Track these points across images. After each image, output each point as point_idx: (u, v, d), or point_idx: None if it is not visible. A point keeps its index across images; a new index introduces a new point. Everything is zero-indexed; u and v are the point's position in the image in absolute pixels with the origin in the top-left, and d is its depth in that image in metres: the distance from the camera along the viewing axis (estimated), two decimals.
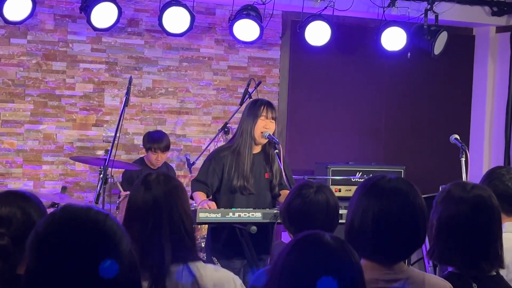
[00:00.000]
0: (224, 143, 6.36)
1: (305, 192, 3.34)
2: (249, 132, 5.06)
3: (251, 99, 6.09)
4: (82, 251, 1.63)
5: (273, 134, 5.10)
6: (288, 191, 5.11)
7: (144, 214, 2.86)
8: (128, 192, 6.21)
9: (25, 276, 1.67)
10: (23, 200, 2.62)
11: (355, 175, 7.10)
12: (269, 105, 5.12)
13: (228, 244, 5.04)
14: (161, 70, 7.63)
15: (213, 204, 4.92)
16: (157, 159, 6.75)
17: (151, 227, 2.82)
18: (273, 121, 5.09)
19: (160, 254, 2.78)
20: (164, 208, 2.85)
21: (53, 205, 5.66)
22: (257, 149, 5.16)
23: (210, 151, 5.54)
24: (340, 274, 1.78)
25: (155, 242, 2.80)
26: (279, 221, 4.71)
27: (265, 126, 5.05)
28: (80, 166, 7.31)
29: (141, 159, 6.93)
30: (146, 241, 2.79)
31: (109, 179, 5.68)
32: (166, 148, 6.80)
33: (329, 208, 3.33)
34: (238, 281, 2.92)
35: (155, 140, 6.76)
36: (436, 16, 7.55)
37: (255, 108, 5.10)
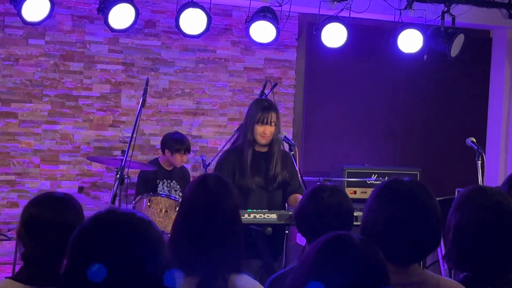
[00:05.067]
0: None
1: (318, 195, 3.34)
2: (248, 135, 5.12)
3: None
4: (123, 254, 1.65)
5: (285, 136, 5.13)
6: (297, 194, 5.16)
7: (198, 216, 2.84)
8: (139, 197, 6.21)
9: (64, 273, 1.69)
10: (56, 203, 2.67)
11: (371, 177, 7.09)
12: (265, 109, 5.13)
13: (244, 245, 5.05)
14: (178, 71, 7.66)
15: None
16: (182, 160, 6.76)
17: (204, 230, 2.81)
18: (271, 125, 5.11)
19: (209, 261, 2.78)
20: (219, 210, 2.85)
21: None
22: (264, 148, 5.20)
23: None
24: (367, 275, 1.81)
25: (208, 246, 2.79)
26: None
27: (263, 131, 5.09)
28: (96, 166, 7.36)
29: (156, 160, 6.93)
30: (197, 243, 2.79)
31: (126, 179, 5.70)
32: (190, 149, 6.84)
33: (341, 211, 3.31)
34: None
35: (183, 142, 6.73)
36: (453, 19, 7.52)
37: (253, 112, 5.15)
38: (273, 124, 5.12)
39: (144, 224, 1.71)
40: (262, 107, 5.15)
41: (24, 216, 2.68)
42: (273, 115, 5.13)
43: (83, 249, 1.67)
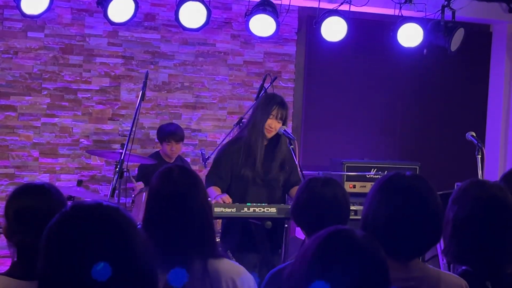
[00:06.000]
0: None
1: (312, 185, 3.31)
2: (260, 126, 5.10)
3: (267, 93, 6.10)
4: (94, 247, 1.64)
5: (284, 130, 5.12)
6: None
7: (165, 207, 2.84)
8: (141, 186, 6.22)
9: (39, 272, 1.69)
10: (39, 191, 2.64)
11: (370, 171, 7.08)
12: (281, 105, 5.14)
13: (243, 238, 5.05)
14: (177, 64, 7.65)
15: (227, 198, 4.94)
16: (171, 149, 6.74)
17: (172, 220, 2.81)
18: (280, 121, 5.12)
19: (182, 249, 2.78)
20: (185, 200, 2.85)
21: (69, 198, 5.68)
22: (265, 142, 5.21)
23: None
24: (368, 270, 1.81)
25: (177, 236, 2.79)
26: None
27: (270, 124, 5.10)
28: (95, 160, 7.35)
29: (157, 153, 6.94)
30: (167, 234, 2.79)
31: (125, 173, 5.70)
32: (180, 138, 6.80)
33: (336, 201, 3.27)
34: (251, 280, 2.92)
35: (169, 130, 6.78)
36: (453, 13, 7.50)
37: (268, 105, 5.14)
38: (281, 120, 5.14)
39: (110, 212, 1.70)
40: (278, 102, 5.15)
41: (12, 209, 2.63)
42: (285, 113, 5.15)
43: (53, 247, 1.67)
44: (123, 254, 1.65)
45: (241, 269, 2.91)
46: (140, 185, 6.43)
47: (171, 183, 2.88)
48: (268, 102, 5.16)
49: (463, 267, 2.73)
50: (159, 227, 2.80)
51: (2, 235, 6.83)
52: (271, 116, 5.10)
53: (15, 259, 2.60)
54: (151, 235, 2.77)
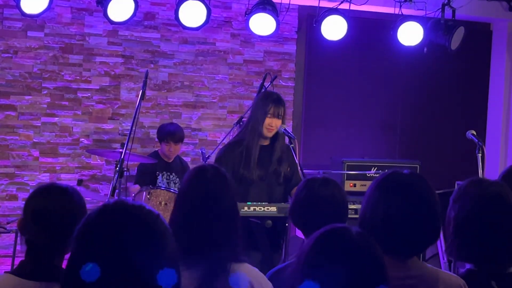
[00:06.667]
0: None
1: (310, 185, 3.31)
2: (257, 127, 5.09)
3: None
4: (129, 247, 1.62)
5: (284, 129, 5.11)
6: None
7: (198, 206, 2.84)
8: (136, 189, 6.21)
9: (68, 265, 1.66)
10: (62, 194, 2.63)
11: (370, 170, 7.08)
12: (277, 102, 5.12)
13: (243, 237, 5.04)
14: (177, 63, 7.64)
15: None
16: (169, 150, 6.73)
17: (202, 221, 2.81)
18: (279, 118, 5.11)
19: (206, 250, 2.78)
20: (218, 201, 2.85)
21: None
22: (266, 142, 5.19)
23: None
24: (363, 268, 1.80)
25: (203, 237, 2.79)
26: None
27: (270, 124, 5.08)
28: (96, 159, 7.35)
29: (155, 152, 6.93)
30: (193, 235, 2.78)
31: (125, 172, 5.69)
32: (179, 139, 6.78)
33: (334, 202, 3.26)
34: (269, 286, 2.91)
35: (168, 131, 6.77)
36: (453, 11, 7.50)
37: (263, 104, 5.12)
38: (280, 117, 5.12)
39: (152, 217, 1.69)
40: (273, 99, 5.13)
41: (31, 207, 2.61)
42: (282, 109, 5.13)
43: (90, 241, 1.64)
44: (156, 258, 1.64)
45: (260, 274, 2.91)
46: (136, 188, 6.40)
47: (206, 183, 2.88)
48: (264, 101, 5.14)
49: (467, 266, 2.72)
50: (185, 228, 2.79)
51: (2, 235, 6.85)
52: (268, 115, 5.08)
53: (24, 258, 2.59)
54: (178, 236, 2.77)
